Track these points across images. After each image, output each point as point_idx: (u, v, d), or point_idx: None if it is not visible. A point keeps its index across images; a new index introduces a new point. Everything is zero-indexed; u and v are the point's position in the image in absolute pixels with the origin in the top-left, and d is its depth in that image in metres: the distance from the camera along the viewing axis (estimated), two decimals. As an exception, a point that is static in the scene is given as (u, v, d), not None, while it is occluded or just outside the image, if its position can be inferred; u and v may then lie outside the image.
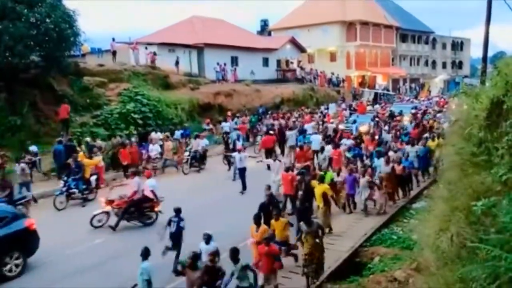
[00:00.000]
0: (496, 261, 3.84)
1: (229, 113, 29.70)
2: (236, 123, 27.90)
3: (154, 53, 32.09)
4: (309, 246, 9.39)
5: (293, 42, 49.16)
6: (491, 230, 4.12)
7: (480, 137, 5.03)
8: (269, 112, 33.19)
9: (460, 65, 77.39)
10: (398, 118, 29.89)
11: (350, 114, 34.18)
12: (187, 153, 21.70)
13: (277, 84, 41.44)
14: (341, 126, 28.27)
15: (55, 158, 19.09)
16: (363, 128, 25.75)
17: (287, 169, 14.31)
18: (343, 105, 38.90)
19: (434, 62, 72.69)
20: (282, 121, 28.80)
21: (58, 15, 21.74)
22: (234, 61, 40.70)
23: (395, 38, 63.89)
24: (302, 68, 47.84)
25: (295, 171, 14.76)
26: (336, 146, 18.94)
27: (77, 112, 23.20)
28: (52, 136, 21.08)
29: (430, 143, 18.51)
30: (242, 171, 17.93)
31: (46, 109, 22.30)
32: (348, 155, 17.95)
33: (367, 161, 17.04)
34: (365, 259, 11.32)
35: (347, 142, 20.18)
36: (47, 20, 21.67)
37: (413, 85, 65.31)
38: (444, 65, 74.53)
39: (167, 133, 23.29)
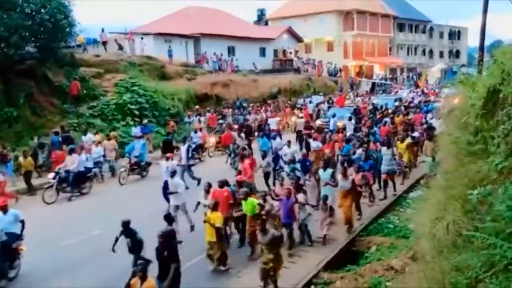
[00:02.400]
0: (492, 249, 3.86)
1: (197, 107, 27.99)
2: (199, 121, 25.57)
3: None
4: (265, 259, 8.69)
5: (290, 32, 48.99)
6: (487, 219, 4.14)
7: (476, 126, 5.04)
8: (250, 105, 31.63)
9: (457, 54, 77.31)
10: (384, 112, 27.04)
11: (329, 107, 32.49)
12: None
13: (274, 74, 41.34)
14: (318, 122, 26.96)
15: (52, 149, 18.82)
16: (342, 124, 23.52)
17: (222, 184, 11.14)
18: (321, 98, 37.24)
19: (431, 51, 72.60)
20: (264, 115, 27.94)
21: (53, 5, 21.54)
22: (231, 51, 40.57)
23: (392, 27, 63.74)
24: (299, 58, 47.73)
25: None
26: (307, 147, 17.65)
27: (73, 103, 23.10)
28: (49, 127, 21.02)
29: (399, 145, 16.89)
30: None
31: (42, 100, 22.18)
32: (287, 169, 14.05)
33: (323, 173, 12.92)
34: (362, 248, 11.38)
35: (313, 145, 17.74)
36: (42, 10, 21.48)
37: (410, 75, 65.28)
38: (441, 54, 74.45)
39: (115, 133, 20.96)
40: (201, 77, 32.37)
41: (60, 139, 19.05)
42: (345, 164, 13.65)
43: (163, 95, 26.54)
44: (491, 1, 15.28)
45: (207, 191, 11.11)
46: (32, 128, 20.74)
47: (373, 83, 51.57)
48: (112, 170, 18.75)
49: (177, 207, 11.94)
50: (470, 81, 5.75)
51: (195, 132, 21.94)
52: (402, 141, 17.05)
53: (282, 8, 60.76)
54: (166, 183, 13.02)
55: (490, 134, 4.79)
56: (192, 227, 11.91)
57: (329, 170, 12.83)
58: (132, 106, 24.21)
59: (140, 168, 18.27)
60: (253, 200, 10.61)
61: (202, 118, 25.94)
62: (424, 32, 70.77)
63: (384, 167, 14.93)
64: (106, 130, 21.72)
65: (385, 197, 14.70)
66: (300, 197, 11.17)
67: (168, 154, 15.23)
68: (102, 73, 25.79)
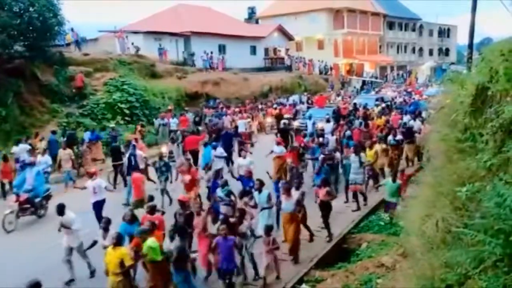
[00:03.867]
0: (481, 245, 3.88)
1: (170, 107, 26.01)
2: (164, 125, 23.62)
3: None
4: None
5: (281, 30, 49.00)
6: (476, 215, 4.16)
7: (465, 123, 5.07)
8: (219, 104, 29.66)
9: (447, 52, 77.77)
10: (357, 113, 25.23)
11: (308, 108, 30.61)
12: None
13: (265, 73, 41.32)
14: (295, 123, 25.34)
15: (50, 149, 18.16)
16: (323, 125, 21.76)
17: (151, 210, 9.56)
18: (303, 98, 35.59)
19: (421, 49, 72.99)
20: (235, 117, 25.50)
21: (42, 3, 21.39)
22: (222, 49, 40.48)
23: (382, 25, 63.98)
24: (290, 56, 47.78)
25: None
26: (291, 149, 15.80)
27: (63, 102, 22.94)
28: (38, 127, 20.87)
29: (367, 152, 14.81)
30: (96, 207, 11.84)
31: (31, 99, 21.98)
32: (221, 193, 10.85)
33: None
34: (353, 245, 11.42)
35: (276, 150, 15.68)
36: (31, 9, 21.35)
37: (400, 73, 65.58)
38: (431, 52, 74.85)
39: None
40: (191, 75, 32.26)
41: (61, 138, 18.79)
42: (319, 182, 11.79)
43: (153, 94, 26.44)
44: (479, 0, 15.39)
45: (105, 229, 8.95)
46: (21, 128, 20.59)
47: (363, 81, 51.78)
48: (67, 181, 16.40)
49: (70, 250, 9.48)
50: (459, 79, 5.78)
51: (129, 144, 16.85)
52: (371, 147, 15.06)
53: (272, 6, 60.73)
54: (96, 205, 11.68)
55: (479, 131, 4.82)
56: (92, 273, 9.66)
57: (265, 192, 10.49)
58: (123, 105, 24.07)
59: (33, 206, 13.39)
60: (152, 242, 8.03)
61: (173, 120, 23.72)
62: (414, 30, 71.08)
63: (352, 176, 13.48)
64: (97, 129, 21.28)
65: (358, 208, 13.33)
66: (243, 226, 9.14)
67: (93, 170, 12.92)
68: (91, 72, 25.57)
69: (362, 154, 14.03)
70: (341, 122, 21.93)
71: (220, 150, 15.83)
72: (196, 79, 31.82)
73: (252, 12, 59.50)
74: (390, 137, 16.74)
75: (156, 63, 31.04)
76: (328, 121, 21.89)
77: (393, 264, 8.97)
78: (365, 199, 13.81)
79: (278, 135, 19.19)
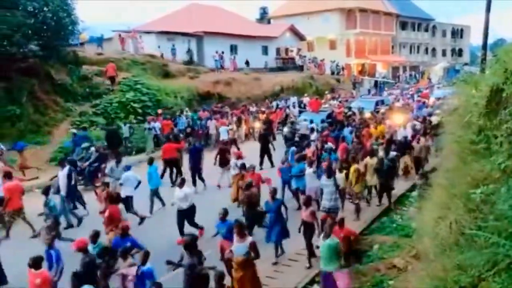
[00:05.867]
0: (494, 248, 3.87)
1: (159, 110, 24.01)
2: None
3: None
4: None
5: (293, 30, 48.95)
6: (490, 217, 4.14)
7: (479, 125, 5.04)
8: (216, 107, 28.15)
9: (460, 52, 77.13)
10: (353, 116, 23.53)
11: (300, 112, 28.42)
12: None
13: (277, 73, 41.30)
14: (285, 129, 22.33)
15: (75, 146, 18.34)
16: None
17: (34, 263, 7.43)
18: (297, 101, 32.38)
19: (434, 50, 72.47)
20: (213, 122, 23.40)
21: (56, 3, 21.59)
22: (233, 49, 40.56)
23: (395, 25, 63.61)
24: (301, 56, 47.68)
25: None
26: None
27: (76, 101, 23.17)
28: (51, 125, 21.11)
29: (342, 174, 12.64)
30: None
31: (45, 98, 22.22)
32: (93, 250, 8.31)
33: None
34: (364, 247, 11.37)
35: (237, 163, 13.84)
36: (45, 8, 21.55)
37: (412, 73, 65.16)
38: (444, 53, 74.29)
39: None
40: (203, 75, 32.42)
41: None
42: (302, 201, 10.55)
43: (166, 93, 26.57)
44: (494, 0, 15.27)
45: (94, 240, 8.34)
46: (35, 126, 20.82)
47: (376, 81, 51.52)
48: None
49: None
50: (473, 80, 5.74)
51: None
52: (351, 163, 13.30)
53: (284, 6, 60.66)
54: None
55: (493, 133, 4.79)
56: None
57: (228, 222, 9.02)
58: (135, 105, 24.22)
59: None
60: None
61: (155, 125, 21.74)
62: (426, 30, 70.59)
63: (324, 203, 11.21)
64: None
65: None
66: None
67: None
68: (105, 71, 25.81)
69: (337, 176, 11.99)
70: (325, 131, 18.93)
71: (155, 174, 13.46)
72: (208, 79, 31.94)
73: (264, 12, 59.54)
74: (381, 153, 14.39)
75: (169, 63, 31.21)
76: (312, 130, 19.86)
77: (405, 265, 8.93)
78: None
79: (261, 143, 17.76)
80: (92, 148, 16.66)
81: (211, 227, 10.02)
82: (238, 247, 8.01)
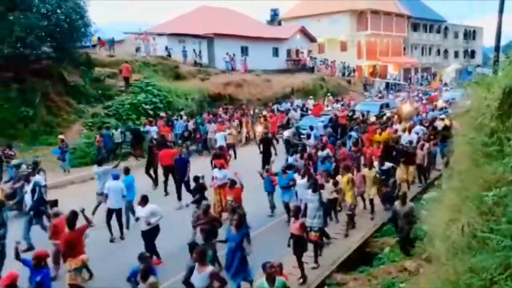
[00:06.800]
0: (507, 251, 3.84)
1: (162, 113, 23.82)
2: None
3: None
4: None
5: (303, 31, 48.88)
6: (502, 220, 4.11)
7: (491, 127, 5.00)
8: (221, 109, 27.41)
9: (472, 54, 76.53)
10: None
11: (302, 116, 27.84)
12: None
13: (287, 74, 41.31)
14: (285, 133, 21.66)
15: (104, 144, 19.25)
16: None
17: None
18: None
19: (446, 51, 71.94)
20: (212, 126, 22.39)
21: (69, 5, 21.87)
22: (244, 51, 40.61)
23: (407, 27, 63.25)
24: (312, 58, 47.64)
25: None
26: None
27: (89, 103, 23.39)
28: (64, 127, 21.33)
29: (342, 179, 12.10)
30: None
31: (58, 100, 22.49)
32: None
33: None
34: (375, 249, 11.33)
35: (218, 175, 12.58)
36: (58, 11, 21.82)
37: (424, 75, 64.79)
38: (456, 54, 73.75)
39: None
40: (214, 77, 32.52)
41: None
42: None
43: (177, 95, 26.70)
44: (507, 1, 15.15)
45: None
46: (48, 127, 21.06)
47: (387, 83, 51.30)
48: None
49: None
50: (486, 82, 5.70)
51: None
52: (346, 170, 12.35)
53: (295, 8, 60.62)
54: None
55: (506, 135, 4.75)
56: None
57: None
58: (147, 106, 24.39)
59: None
60: None
61: (152, 128, 20.91)
62: (438, 32, 70.14)
63: (307, 220, 9.91)
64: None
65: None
66: None
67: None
68: (116, 73, 26.02)
69: (322, 191, 10.96)
70: (323, 136, 17.79)
71: (117, 184, 11.71)
72: (218, 80, 32.04)
73: (274, 14, 59.59)
74: (375, 164, 13.36)
75: (180, 64, 31.35)
76: (308, 136, 19.05)
77: (416, 268, 8.88)
78: (316, 254, 10.10)
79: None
80: (23, 166, 14.18)
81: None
82: (198, 279, 7.11)
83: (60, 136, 18.56)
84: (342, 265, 10.23)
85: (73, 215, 8.68)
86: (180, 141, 21.10)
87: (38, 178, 12.06)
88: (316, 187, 10.53)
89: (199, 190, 11.59)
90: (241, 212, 9.83)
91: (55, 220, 9.45)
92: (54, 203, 10.47)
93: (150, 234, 9.93)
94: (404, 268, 9.27)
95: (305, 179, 11.73)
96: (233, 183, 11.71)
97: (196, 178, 11.92)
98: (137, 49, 31.49)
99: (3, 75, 20.97)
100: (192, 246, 8.23)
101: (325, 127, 20.53)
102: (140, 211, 10.17)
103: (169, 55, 32.20)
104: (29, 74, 21.68)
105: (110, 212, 11.56)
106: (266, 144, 18.18)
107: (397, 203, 10.31)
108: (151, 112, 24.36)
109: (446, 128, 18.09)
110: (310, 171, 12.76)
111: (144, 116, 23.86)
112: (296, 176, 12.36)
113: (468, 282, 4.19)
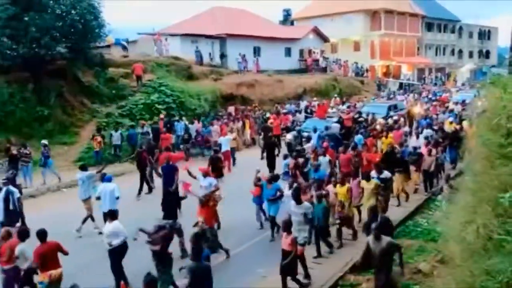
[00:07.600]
0: (523, 253, 3.81)
1: (161, 115, 23.32)
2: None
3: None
4: None
5: (316, 31, 48.74)
6: (519, 222, 4.08)
7: (508, 128, 4.95)
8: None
9: (487, 54, 75.73)
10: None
11: (306, 118, 27.00)
12: None
13: (300, 74, 41.21)
14: (288, 136, 21.09)
15: (129, 142, 20.12)
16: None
17: None
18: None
19: (460, 51, 71.26)
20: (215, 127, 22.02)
21: (83, 6, 22.04)
22: (257, 51, 40.63)
23: (421, 26, 62.77)
24: (325, 58, 47.47)
25: None
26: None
27: (103, 103, 23.60)
28: (79, 126, 21.57)
29: (338, 189, 11.26)
30: None
31: (73, 99, 22.74)
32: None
33: None
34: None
35: (203, 183, 11.69)
36: (73, 11, 22.00)
37: (438, 75, 64.23)
38: (470, 54, 73.03)
39: None
40: (226, 77, 32.59)
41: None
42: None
43: (189, 95, 26.77)
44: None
45: None
46: (62, 127, 21.32)
47: (401, 83, 50.96)
48: None
49: None
50: (501, 82, 5.64)
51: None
52: (342, 183, 11.35)
53: (308, 8, 60.53)
54: None
55: (523, 136, 4.71)
56: None
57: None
58: (160, 106, 24.49)
59: None
60: None
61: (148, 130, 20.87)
62: (453, 31, 69.50)
63: (295, 234, 8.95)
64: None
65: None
66: None
67: None
68: (130, 74, 26.19)
69: (307, 204, 9.90)
70: (325, 141, 16.63)
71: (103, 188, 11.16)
72: (231, 81, 32.07)
73: (287, 14, 59.49)
74: (373, 173, 12.21)
75: (192, 65, 31.47)
76: (308, 139, 18.26)
77: (431, 270, 8.84)
78: (304, 269, 9.23)
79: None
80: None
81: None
82: None
83: (43, 141, 17.77)
84: (355, 266, 10.17)
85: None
86: (182, 146, 21.45)
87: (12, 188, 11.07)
88: (299, 199, 9.64)
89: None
90: (209, 237, 9.12)
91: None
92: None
93: (116, 253, 8.87)
94: (418, 269, 9.21)
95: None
96: (204, 200, 10.45)
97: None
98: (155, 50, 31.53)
99: (19, 75, 21.26)
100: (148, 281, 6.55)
101: (326, 128, 19.15)
102: (105, 227, 9.17)
103: (200, 56, 32.25)
104: (45, 74, 21.94)
105: (106, 216, 10.07)
106: (271, 149, 17.44)
107: (370, 238, 7.72)
108: (164, 112, 24.47)
109: (456, 132, 17.85)
110: (297, 179, 11.92)
111: (157, 116, 23.99)
112: (285, 184, 11.51)
113: (483, 285, 4.16)
